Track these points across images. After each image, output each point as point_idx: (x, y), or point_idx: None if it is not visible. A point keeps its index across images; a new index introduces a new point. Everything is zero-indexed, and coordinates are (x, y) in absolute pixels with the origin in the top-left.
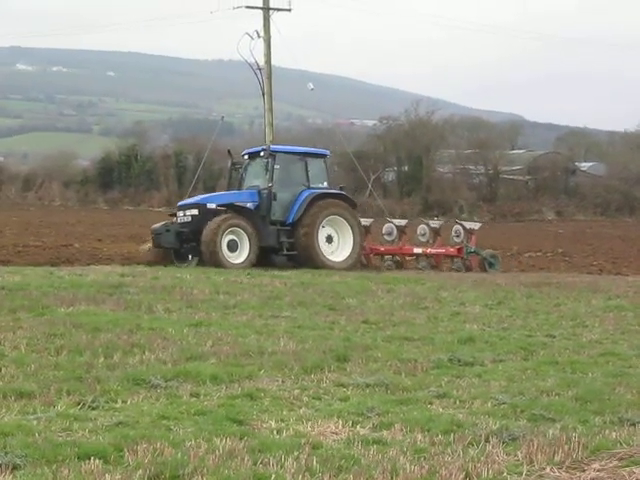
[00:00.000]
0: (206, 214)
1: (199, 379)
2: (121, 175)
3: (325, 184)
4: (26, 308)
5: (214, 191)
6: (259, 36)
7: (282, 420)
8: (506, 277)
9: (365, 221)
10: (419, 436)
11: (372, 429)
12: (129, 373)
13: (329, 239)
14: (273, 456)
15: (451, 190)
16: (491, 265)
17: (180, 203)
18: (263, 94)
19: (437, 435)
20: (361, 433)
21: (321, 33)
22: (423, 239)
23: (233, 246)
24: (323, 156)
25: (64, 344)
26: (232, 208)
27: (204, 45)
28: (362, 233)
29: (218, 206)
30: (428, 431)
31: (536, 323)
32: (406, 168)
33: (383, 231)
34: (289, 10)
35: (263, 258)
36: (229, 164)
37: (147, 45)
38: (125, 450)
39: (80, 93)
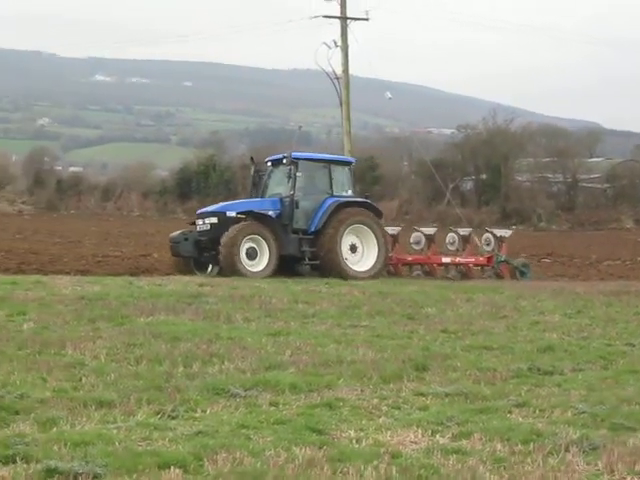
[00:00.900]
0: (226, 222)
1: (278, 388)
2: (199, 185)
3: (350, 192)
4: (106, 318)
5: None
6: (336, 45)
7: (361, 429)
8: (585, 286)
9: (393, 230)
10: (498, 445)
11: (451, 438)
12: (208, 382)
13: (353, 248)
14: (352, 465)
15: (529, 199)
16: (523, 274)
17: (199, 211)
18: (341, 103)
19: (517, 444)
20: (440, 442)
21: (398, 42)
22: (452, 248)
23: (252, 254)
24: (348, 163)
25: (144, 354)
26: (252, 216)
27: (281, 55)
28: (387, 242)
29: (238, 214)
30: (507, 440)
31: (615, 332)
32: (484, 177)
33: (411, 240)
34: (366, 19)
35: (286, 267)
36: (252, 171)
37: (224, 55)
38: (205, 459)
39: (158, 103)
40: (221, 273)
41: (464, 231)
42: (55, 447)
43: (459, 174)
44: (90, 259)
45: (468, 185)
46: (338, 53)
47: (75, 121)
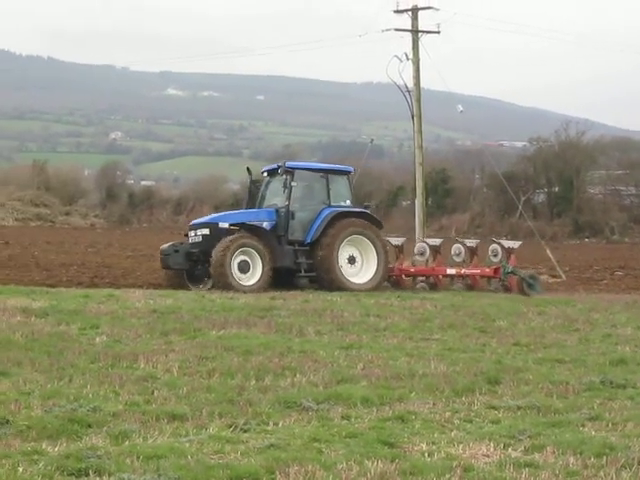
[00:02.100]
0: (218, 234)
1: (350, 402)
2: None
3: (348, 202)
4: (178, 331)
5: None
6: (408, 58)
7: (433, 443)
8: None
9: (397, 240)
10: (571, 459)
11: (524, 452)
12: (280, 396)
13: (351, 260)
14: (424, 479)
15: (602, 211)
16: (531, 287)
17: (192, 222)
18: (412, 116)
19: (589, 458)
20: (513, 456)
21: (469, 54)
22: (458, 259)
23: (244, 267)
24: (346, 173)
25: (216, 367)
26: (245, 227)
27: (352, 68)
28: (387, 254)
29: (231, 225)
30: (580, 454)
31: None
32: (556, 189)
33: (415, 251)
34: (438, 32)
35: (284, 280)
36: (248, 182)
37: (295, 69)
38: (277, 472)
39: (230, 117)
40: (214, 287)
41: (471, 242)
42: (127, 460)
43: (531, 187)
44: (163, 273)
45: (540, 198)
46: (409, 66)
47: (147, 135)
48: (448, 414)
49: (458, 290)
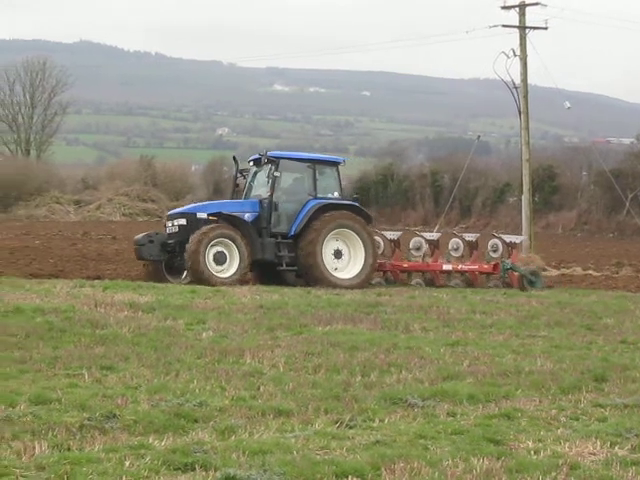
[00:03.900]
0: (195, 224)
1: (456, 398)
2: (377, 194)
3: (336, 194)
4: (284, 327)
5: (470, 211)
6: (515, 55)
7: (539, 440)
8: None
9: (392, 235)
10: None
11: (631, 450)
12: (386, 392)
13: (337, 254)
14: (530, 477)
15: None
16: (532, 283)
17: (170, 212)
18: (519, 113)
19: None
20: (619, 454)
21: (577, 50)
22: (456, 254)
23: (220, 259)
24: (335, 164)
25: (322, 363)
26: (224, 218)
27: (459, 64)
28: (375, 248)
29: (209, 215)
30: None
31: None
32: None
33: (410, 246)
34: (545, 28)
35: (271, 275)
36: (234, 172)
37: (401, 64)
38: (382, 469)
39: (336, 113)
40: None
41: (470, 236)
42: (233, 455)
43: (639, 184)
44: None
45: None
46: (517, 62)
47: (254, 131)
48: (554, 412)
49: (456, 287)
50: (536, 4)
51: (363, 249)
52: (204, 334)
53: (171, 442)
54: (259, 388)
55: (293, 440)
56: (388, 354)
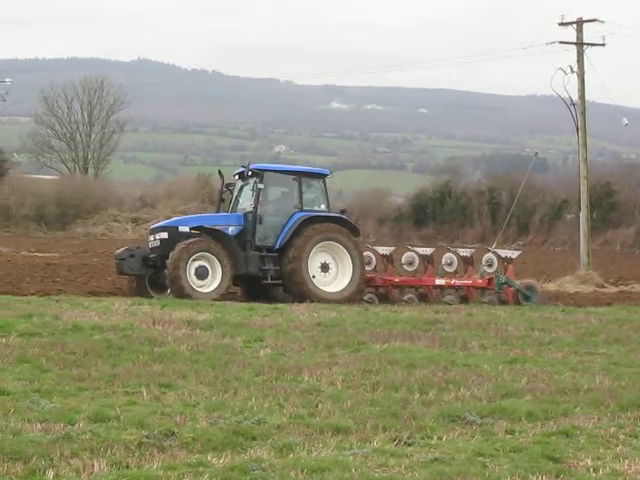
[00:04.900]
0: (177, 238)
1: (514, 416)
2: (435, 211)
3: (323, 207)
4: (342, 344)
5: (527, 228)
6: (572, 71)
7: (598, 458)
8: None
9: (385, 249)
10: None
11: None
12: (444, 409)
13: (324, 267)
14: None
15: None
16: (527, 298)
17: (152, 226)
18: (577, 129)
19: None
20: None
21: (634, 67)
22: (449, 269)
23: (203, 273)
24: (322, 176)
25: (379, 380)
26: (206, 232)
27: (516, 81)
28: (363, 262)
29: (192, 229)
30: None
31: None
32: None
33: (402, 260)
34: (603, 45)
35: (259, 290)
36: (220, 185)
37: (458, 81)
38: None
39: (393, 130)
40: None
41: (464, 251)
42: (292, 473)
43: None
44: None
45: None
46: (574, 79)
47: (311, 148)
48: (613, 429)
49: (449, 303)
50: (593, 20)
51: (351, 262)
52: (262, 352)
53: (229, 460)
54: (317, 406)
55: (351, 458)
56: (446, 371)
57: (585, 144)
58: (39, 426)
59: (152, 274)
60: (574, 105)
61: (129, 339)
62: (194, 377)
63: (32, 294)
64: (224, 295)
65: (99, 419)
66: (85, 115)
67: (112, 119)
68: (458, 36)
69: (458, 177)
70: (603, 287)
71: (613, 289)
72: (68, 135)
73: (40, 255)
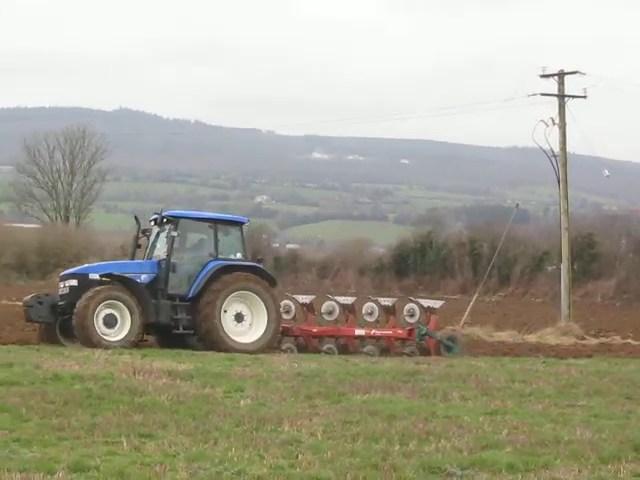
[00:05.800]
0: (87, 285)
1: (495, 468)
2: (416, 262)
3: (239, 255)
4: (322, 395)
5: (508, 280)
6: (554, 123)
7: None
8: None
9: (305, 298)
10: None
11: None
12: (425, 461)
13: (239, 317)
14: None
15: None
16: (449, 349)
17: (62, 273)
18: (558, 181)
19: None
20: None
21: (615, 118)
22: (370, 319)
23: (111, 322)
24: (239, 224)
25: (360, 431)
26: (116, 279)
27: (497, 132)
28: (279, 312)
29: (102, 276)
30: None
31: None
32: None
33: (322, 310)
34: (584, 97)
35: (173, 339)
36: (136, 232)
37: (439, 132)
38: None
39: (375, 181)
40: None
41: (386, 301)
42: None
43: None
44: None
45: None
46: (555, 130)
47: (292, 198)
48: None
49: (369, 353)
50: (575, 73)
51: (266, 313)
52: (242, 402)
53: None
54: (297, 456)
55: None
56: (427, 423)
57: (566, 196)
58: (19, 476)
59: (63, 322)
60: (555, 157)
61: (109, 389)
62: (174, 427)
63: (12, 343)
64: (134, 343)
65: (79, 469)
66: (67, 164)
67: (94, 168)
68: (440, 87)
69: (439, 228)
70: (584, 339)
71: (594, 341)
72: (50, 184)
73: (20, 304)
